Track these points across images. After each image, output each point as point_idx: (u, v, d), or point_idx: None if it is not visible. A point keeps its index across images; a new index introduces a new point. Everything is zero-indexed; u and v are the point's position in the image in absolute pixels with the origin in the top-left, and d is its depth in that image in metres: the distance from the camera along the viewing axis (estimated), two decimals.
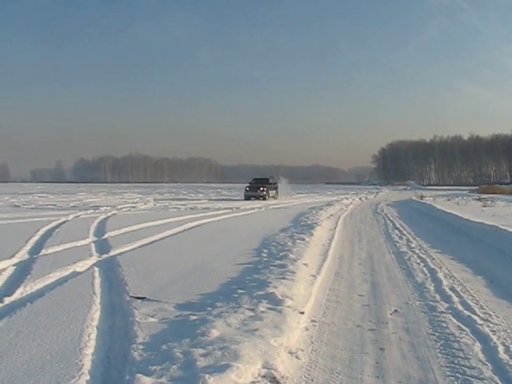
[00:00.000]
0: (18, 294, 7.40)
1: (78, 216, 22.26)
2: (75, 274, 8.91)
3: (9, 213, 24.18)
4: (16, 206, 31.77)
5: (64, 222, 19.25)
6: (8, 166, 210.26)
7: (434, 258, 11.13)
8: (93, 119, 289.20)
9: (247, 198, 41.69)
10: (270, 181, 44.94)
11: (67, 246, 12.26)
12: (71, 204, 33.44)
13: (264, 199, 40.78)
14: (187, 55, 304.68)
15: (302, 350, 5.42)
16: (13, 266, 9.73)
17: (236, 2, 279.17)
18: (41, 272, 8.88)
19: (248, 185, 44.50)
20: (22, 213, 23.84)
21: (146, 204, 33.86)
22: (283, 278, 8.15)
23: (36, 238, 13.88)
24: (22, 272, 9.06)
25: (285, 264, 9.47)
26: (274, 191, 44.44)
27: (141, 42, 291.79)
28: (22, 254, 10.95)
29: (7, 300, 7.03)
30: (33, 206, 30.82)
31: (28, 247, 12.00)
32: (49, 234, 14.92)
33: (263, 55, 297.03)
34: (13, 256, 10.56)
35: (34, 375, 4.40)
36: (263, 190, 41.68)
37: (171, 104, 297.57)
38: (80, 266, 9.58)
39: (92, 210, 26.03)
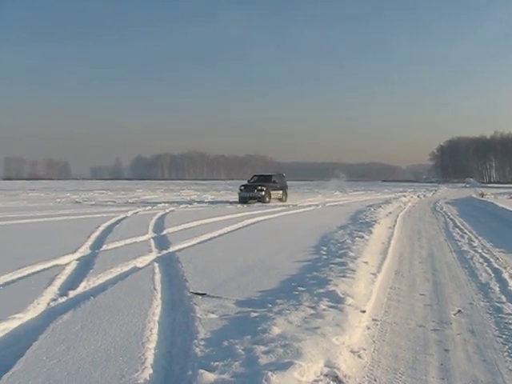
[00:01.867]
0: (81, 288, 7.56)
1: (137, 212, 22.66)
2: (136, 270, 9.05)
3: (70, 209, 24.82)
4: (77, 202, 32.61)
5: (123, 218, 19.63)
6: (69, 164, 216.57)
7: (497, 258, 10.79)
8: (150, 117, 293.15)
9: (242, 200, 32.85)
10: (274, 178, 35.52)
11: (127, 241, 12.48)
12: (130, 201, 34.09)
13: (262, 202, 32.38)
14: (242, 53, 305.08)
15: (364, 349, 5.33)
16: (76, 260, 9.96)
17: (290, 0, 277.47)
18: (102, 267, 9.06)
19: (245, 183, 35.73)
20: (82, 209, 24.40)
21: (203, 201, 34.24)
22: (343, 276, 8.06)
23: (97, 233, 14.18)
24: (85, 266, 9.26)
25: (344, 262, 9.37)
26: (280, 192, 35.15)
27: (194, 41, 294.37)
28: (84, 249, 11.21)
29: (71, 293, 7.19)
30: (93, 203, 31.56)
31: (90, 242, 12.27)
32: (109, 229, 15.21)
33: (318, 52, 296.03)
34: (75, 251, 10.81)
35: (100, 367, 4.47)
36: (261, 190, 32.76)
37: (227, 101, 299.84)
38: (140, 262, 9.73)
39: (150, 207, 26.45)
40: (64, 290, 7.38)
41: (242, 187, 33.85)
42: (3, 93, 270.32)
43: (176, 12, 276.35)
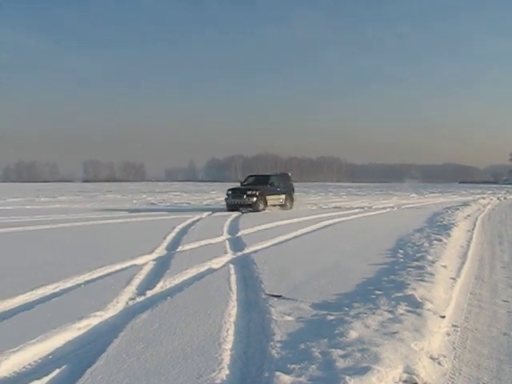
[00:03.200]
0: (158, 288, 7.69)
1: (211, 214, 22.91)
2: (211, 271, 9.13)
3: (147, 211, 25.37)
4: (152, 203, 33.30)
5: (198, 219, 19.91)
6: (144, 166, 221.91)
7: None
8: (222, 119, 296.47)
9: (230, 208, 25.79)
10: (272, 180, 27.57)
11: (202, 243, 12.62)
12: (204, 202, 34.53)
13: (255, 210, 25.09)
14: (313, 54, 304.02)
15: (445, 356, 5.16)
16: (152, 260, 10.16)
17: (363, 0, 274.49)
18: (179, 267, 9.19)
19: (234, 186, 28.46)
20: (158, 210, 24.86)
21: None
22: (421, 280, 7.86)
23: (172, 234, 14.43)
24: (161, 267, 9.42)
25: (422, 265, 9.15)
26: (282, 197, 27.50)
27: (265, 42, 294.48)
28: (161, 250, 11.42)
29: (149, 293, 7.33)
30: (168, 204, 32.15)
31: (165, 243, 12.50)
32: (184, 231, 15.45)
33: (391, 52, 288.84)
34: (152, 251, 11.03)
35: (177, 366, 4.52)
36: (252, 196, 25.37)
37: (299, 103, 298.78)
38: (215, 263, 9.82)
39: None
40: (142, 290, 7.53)
41: (230, 192, 26.57)
42: (81, 98, 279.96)
43: (248, 13, 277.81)
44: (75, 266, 9.32)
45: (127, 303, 6.85)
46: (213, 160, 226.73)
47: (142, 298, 7.09)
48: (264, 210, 25.63)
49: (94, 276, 8.56)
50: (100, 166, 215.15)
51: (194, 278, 8.43)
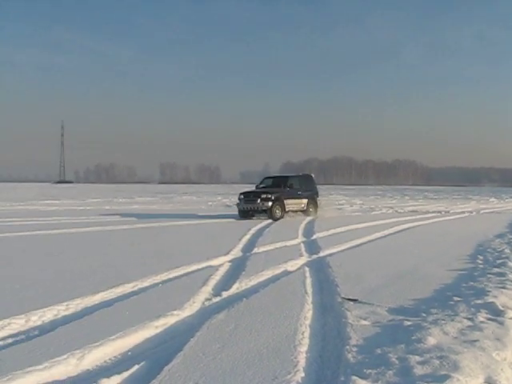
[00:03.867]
0: (234, 289, 7.75)
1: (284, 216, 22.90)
2: (286, 273, 9.13)
3: (222, 211, 25.64)
4: (227, 206, 33.63)
5: (272, 222, 19.95)
6: (220, 168, 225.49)
7: None
8: (298, 122, 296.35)
9: (242, 215, 22.82)
10: (291, 182, 24.15)
11: (277, 245, 12.65)
12: None
13: (271, 217, 21.73)
14: (391, 55, 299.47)
15: None
16: (228, 262, 10.26)
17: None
18: (254, 269, 9.23)
19: (247, 189, 25.05)
20: (233, 212, 25.09)
21: (351, 206, 33.94)
22: (503, 288, 7.58)
23: (248, 236, 14.55)
24: (237, 268, 9.50)
25: (503, 272, 8.84)
26: (304, 201, 24.10)
27: (340, 43, 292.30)
28: (236, 252, 11.52)
29: (225, 294, 7.39)
30: None
31: (241, 245, 12.61)
32: (259, 233, 15.55)
33: (473, 52, 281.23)
34: (228, 253, 11.15)
35: (253, 367, 4.53)
36: (267, 200, 21.99)
37: (375, 104, 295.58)
38: (291, 266, 9.81)
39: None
40: (218, 291, 7.61)
41: (242, 196, 23.31)
42: (160, 102, 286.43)
43: (321, 16, 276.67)
44: (152, 265, 9.55)
45: (203, 303, 6.93)
46: (288, 163, 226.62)
47: (217, 299, 7.16)
48: (282, 217, 22.21)
49: (171, 276, 8.72)
50: (176, 169, 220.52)
51: (269, 280, 8.45)
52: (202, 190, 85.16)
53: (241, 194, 23.44)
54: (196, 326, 5.78)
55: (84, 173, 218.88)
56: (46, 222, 19.42)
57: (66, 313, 6.41)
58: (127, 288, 7.70)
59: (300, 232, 15.85)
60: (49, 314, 6.28)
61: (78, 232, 16.18)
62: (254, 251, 11.63)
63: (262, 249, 11.96)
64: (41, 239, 14.54)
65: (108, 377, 4.37)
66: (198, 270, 9.33)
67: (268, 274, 8.99)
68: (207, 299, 7.13)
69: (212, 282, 8.16)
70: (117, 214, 24.09)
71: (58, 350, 4.85)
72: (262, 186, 24.57)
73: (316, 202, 24.85)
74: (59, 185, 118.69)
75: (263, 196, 22.03)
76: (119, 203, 36.09)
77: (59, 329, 5.65)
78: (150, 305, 6.68)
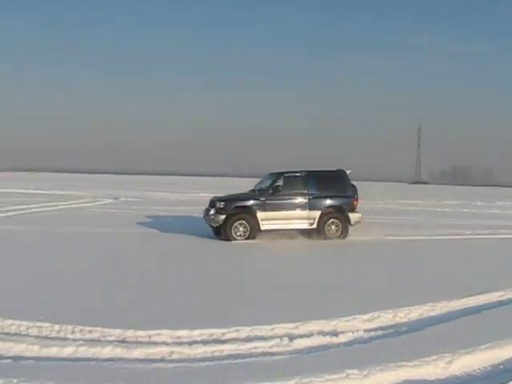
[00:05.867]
0: None
1: None
2: None
3: None
4: None
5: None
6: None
7: None
8: None
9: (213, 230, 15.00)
10: (284, 182, 14.98)
11: None
12: None
13: (223, 238, 14.27)
14: None
15: None
16: None
17: None
18: None
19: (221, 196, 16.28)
20: None
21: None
22: None
23: None
24: None
25: None
26: (313, 214, 14.64)
27: None
28: None
29: None
30: None
31: None
32: None
33: None
34: None
35: None
36: (219, 212, 14.36)
37: None
38: None
39: None
40: None
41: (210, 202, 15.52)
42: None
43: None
44: None
45: None
46: None
47: None
48: (253, 238, 14.23)
49: None
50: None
51: None
52: None
53: (212, 201, 15.35)
54: None
55: (439, 174, 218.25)
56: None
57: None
58: (494, 296, 7.46)
59: None
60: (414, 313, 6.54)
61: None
62: None
63: None
64: None
65: None
66: None
67: None
68: None
69: None
70: (473, 219, 22.44)
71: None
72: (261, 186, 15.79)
73: (346, 216, 14.89)
74: (414, 185, 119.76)
75: (218, 205, 14.59)
76: (477, 206, 34.03)
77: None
78: None
